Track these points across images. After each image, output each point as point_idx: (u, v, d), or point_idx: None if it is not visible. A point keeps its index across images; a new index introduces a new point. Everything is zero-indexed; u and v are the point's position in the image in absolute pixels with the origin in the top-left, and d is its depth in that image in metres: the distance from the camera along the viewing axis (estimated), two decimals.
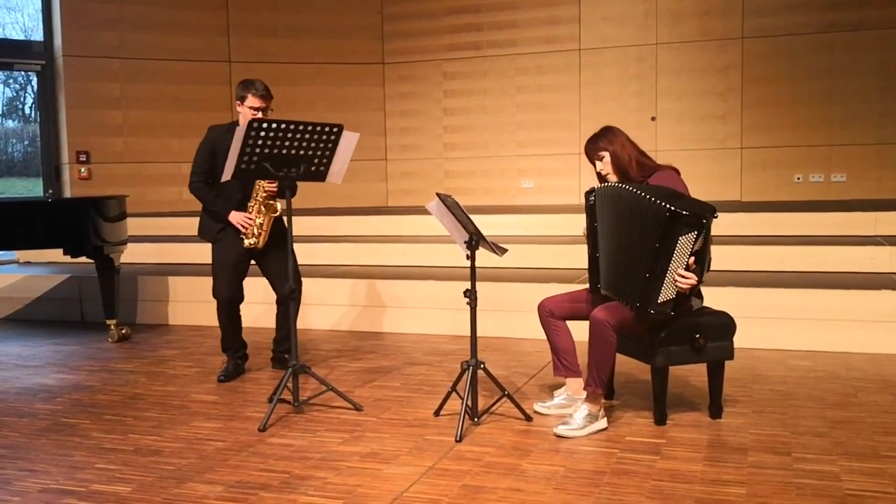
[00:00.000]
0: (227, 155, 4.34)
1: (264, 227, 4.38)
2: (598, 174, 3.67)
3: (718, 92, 8.26)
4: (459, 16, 9.12)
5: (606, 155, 3.59)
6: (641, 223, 3.38)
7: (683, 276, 3.32)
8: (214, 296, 4.52)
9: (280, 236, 4.47)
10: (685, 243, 3.30)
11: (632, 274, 3.43)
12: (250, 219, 4.36)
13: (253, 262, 4.56)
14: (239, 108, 4.42)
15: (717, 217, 3.34)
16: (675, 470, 3.04)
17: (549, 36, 8.79)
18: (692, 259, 3.33)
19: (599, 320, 3.42)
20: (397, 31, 9.37)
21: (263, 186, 4.34)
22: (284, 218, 4.07)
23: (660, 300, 3.37)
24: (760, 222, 6.49)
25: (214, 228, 4.48)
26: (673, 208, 3.26)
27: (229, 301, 4.52)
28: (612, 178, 3.61)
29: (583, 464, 3.14)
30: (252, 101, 4.35)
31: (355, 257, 6.83)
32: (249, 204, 4.38)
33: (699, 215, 3.28)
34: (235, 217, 4.38)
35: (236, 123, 4.44)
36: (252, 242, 4.38)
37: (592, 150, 3.64)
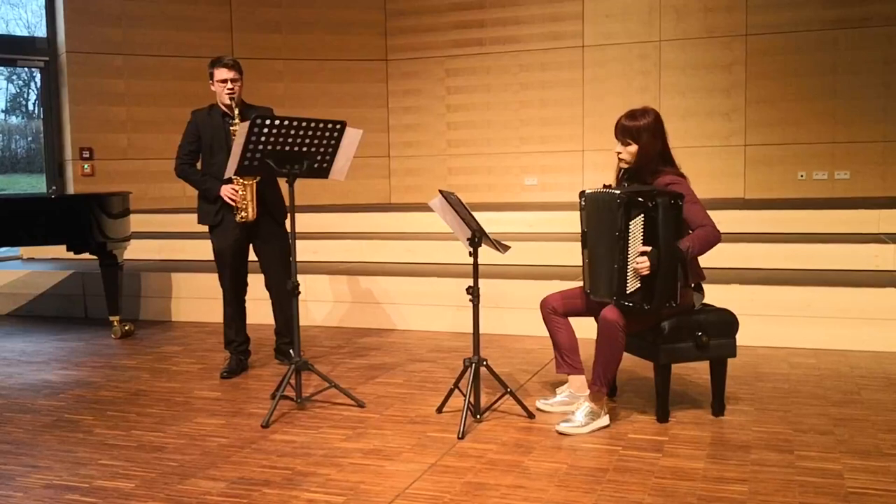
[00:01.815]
0: (211, 135, 4.37)
1: (248, 198, 4.37)
2: (617, 155, 3.61)
3: (722, 88, 8.23)
4: (463, 12, 9.10)
5: (634, 147, 3.52)
6: (608, 218, 3.42)
7: (638, 262, 3.31)
8: (221, 285, 4.55)
9: (276, 225, 4.48)
10: (635, 228, 3.32)
11: (608, 270, 3.44)
12: (235, 190, 4.36)
13: (252, 257, 4.57)
14: (213, 88, 4.43)
15: (681, 204, 3.33)
16: (677, 467, 3.04)
17: (552, 32, 8.77)
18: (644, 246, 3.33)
19: (610, 321, 3.41)
20: (400, 27, 9.35)
21: None
22: (288, 217, 4.08)
23: (628, 290, 3.37)
24: (764, 219, 6.48)
25: (211, 211, 4.49)
26: (620, 193, 3.32)
27: (233, 291, 4.55)
28: (625, 165, 3.59)
29: (585, 461, 3.14)
30: (219, 73, 4.38)
31: (358, 254, 6.83)
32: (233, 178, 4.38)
33: (646, 197, 3.29)
34: (224, 190, 4.38)
35: (215, 105, 4.46)
36: (243, 216, 4.38)
37: (625, 133, 3.52)
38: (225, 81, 4.36)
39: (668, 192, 3.35)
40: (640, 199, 3.31)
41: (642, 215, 3.30)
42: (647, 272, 3.31)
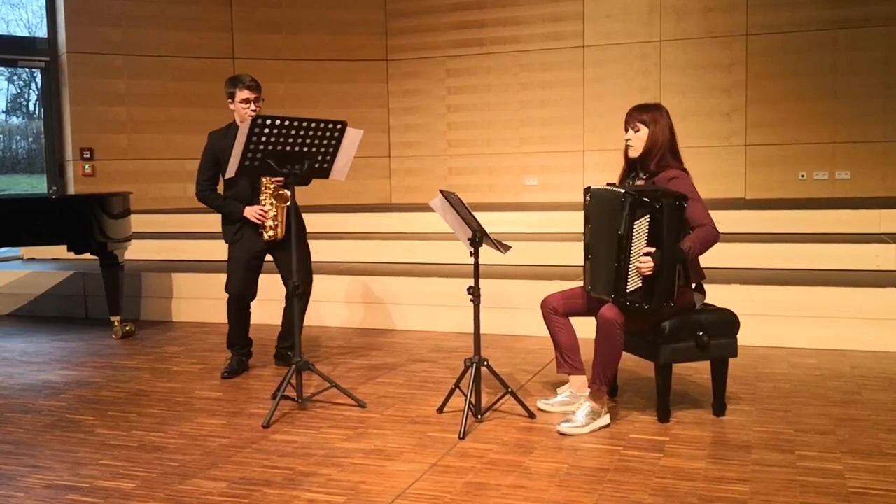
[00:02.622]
0: (230, 156, 4.34)
1: (279, 219, 4.38)
2: (626, 143, 3.63)
3: (723, 89, 8.23)
4: (463, 12, 9.11)
5: (644, 130, 3.55)
6: (611, 216, 3.43)
7: (641, 261, 3.32)
8: (226, 290, 4.54)
9: (298, 230, 4.47)
10: (640, 228, 3.33)
11: (608, 267, 3.45)
12: (264, 211, 4.37)
13: (269, 258, 4.56)
14: (231, 107, 4.42)
15: (685, 205, 3.34)
16: (678, 467, 3.04)
17: (552, 33, 8.77)
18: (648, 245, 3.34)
19: (608, 319, 3.41)
20: (401, 27, 9.36)
21: (270, 178, 4.34)
22: (303, 215, 4.07)
23: (629, 289, 3.38)
24: (764, 219, 6.48)
25: (231, 230, 4.49)
26: (626, 192, 3.34)
27: (239, 297, 4.53)
28: (633, 153, 3.60)
29: (586, 461, 3.14)
30: (241, 94, 4.36)
31: (359, 254, 6.83)
32: (261, 197, 4.38)
33: (652, 199, 3.30)
34: (250, 211, 4.39)
35: (233, 124, 4.45)
36: (271, 235, 4.39)
37: (634, 117, 3.58)
38: (247, 102, 4.35)
39: (672, 192, 3.35)
40: (646, 199, 3.31)
41: (648, 216, 3.31)
42: (650, 272, 3.31)
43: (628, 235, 3.34)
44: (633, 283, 3.37)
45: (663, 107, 3.62)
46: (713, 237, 3.46)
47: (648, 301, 3.36)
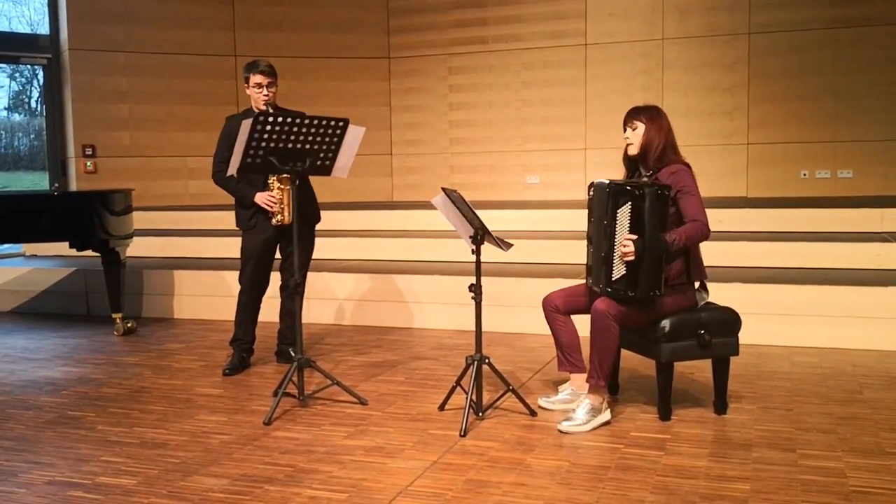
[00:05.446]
0: None
1: (285, 202, 4.35)
2: (625, 142, 3.67)
3: (725, 87, 8.22)
4: (465, 10, 9.10)
5: (641, 127, 3.58)
6: (602, 207, 3.48)
7: (623, 246, 3.37)
8: (239, 282, 4.56)
9: (306, 227, 4.46)
10: (623, 215, 3.39)
11: (598, 257, 3.50)
12: (273, 196, 4.36)
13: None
14: (248, 91, 4.45)
15: (668, 194, 3.38)
16: (679, 466, 3.04)
17: (554, 31, 8.77)
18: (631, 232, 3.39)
19: (601, 311, 3.43)
20: (403, 25, 9.35)
21: None
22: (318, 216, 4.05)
23: (614, 277, 3.41)
24: (766, 218, 6.47)
25: (246, 216, 4.49)
26: (611, 182, 3.42)
27: (251, 290, 4.55)
28: (633, 150, 3.62)
29: (587, 459, 3.14)
30: (255, 78, 4.38)
31: (360, 252, 6.83)
32: (269, 182, 4.37)
33: (633, 186, 3.37)
34: (260, 197, 4.37)
35: (250, 110, 4.46)
36: (279, 219, 4.36)
37: (632, 116, 3.63)
38: (261, 86, 4.37)
39: (657, 183, 3.40)
40: (627, 187, 3.38)
41: (629, 203, 3.37)
42: (632, 258, 3.34)
43: (612, 224, 3.39)
44: (618, 271, 3.41)
45: (662, 110, 3.65)
46: (702, 233, 3.48)
47: (634, 289, 3.38)
